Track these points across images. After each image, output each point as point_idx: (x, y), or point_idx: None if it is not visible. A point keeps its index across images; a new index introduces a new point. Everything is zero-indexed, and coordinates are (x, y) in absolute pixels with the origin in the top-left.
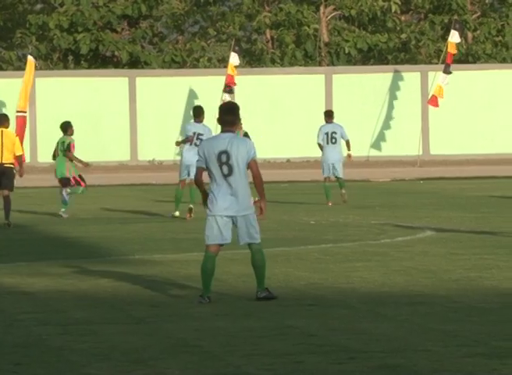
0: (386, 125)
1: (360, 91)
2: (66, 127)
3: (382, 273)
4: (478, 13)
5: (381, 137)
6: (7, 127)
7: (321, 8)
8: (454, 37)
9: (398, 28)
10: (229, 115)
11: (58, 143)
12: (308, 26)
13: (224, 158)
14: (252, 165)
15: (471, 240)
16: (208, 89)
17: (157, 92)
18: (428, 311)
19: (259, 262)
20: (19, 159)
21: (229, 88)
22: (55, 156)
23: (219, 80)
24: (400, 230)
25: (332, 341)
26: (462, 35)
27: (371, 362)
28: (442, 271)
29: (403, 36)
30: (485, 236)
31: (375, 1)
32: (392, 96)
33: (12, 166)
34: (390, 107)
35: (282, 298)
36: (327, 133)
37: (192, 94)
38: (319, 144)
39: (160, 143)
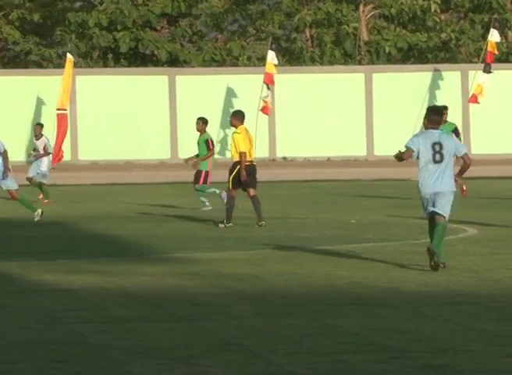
0: None
1: (399, 90)
2: None
3: (423, 273)
4: None
5: None
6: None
7: (361, 7)
8: (494, 35)
9: (438, 27)
10: (437, 115)
11: None
12: (348, 25)
13: (437, 148)
14: (465, 156)
15: None
16: (247, 87)
17: (196, 90)
18: (470, 311)
19: (439, 233)
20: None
21: (268, 85)
22: None
23: (258, 79)
24: None
25: (374, 340)
26: (502, 34)
27: (414, 361)
28: (484, 271)
29: (443, 35)
30: None
31: (414, 0)
32: (432, 95)
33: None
34: None
35: (324, 297)
36: None
37: (230, 93)
38: None
39: None
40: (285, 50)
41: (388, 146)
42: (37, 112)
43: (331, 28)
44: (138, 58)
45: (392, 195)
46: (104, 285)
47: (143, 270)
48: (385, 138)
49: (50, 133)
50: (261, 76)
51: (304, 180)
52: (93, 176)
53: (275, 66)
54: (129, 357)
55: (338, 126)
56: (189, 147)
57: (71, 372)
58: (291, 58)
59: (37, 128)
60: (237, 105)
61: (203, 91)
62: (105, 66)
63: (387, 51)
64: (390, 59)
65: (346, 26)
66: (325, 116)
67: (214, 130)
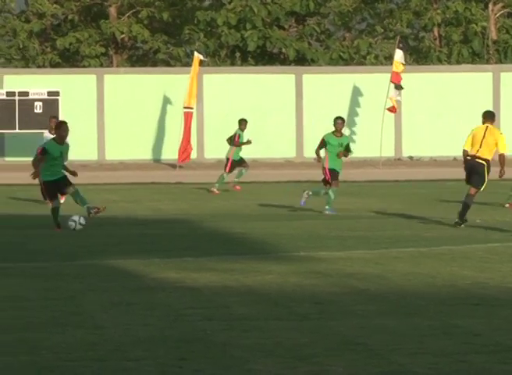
0: None
1: None
2: None
3: None
4: None
5: None
6: (492, 123)
7: (490, 6)
8: None
9: None
10: None
11: None
12: (476, 24)
13: None
14: None
15: None
16: (373, 86)
17: (323, 89)
18: None
19: None
20: (502, 158)
21: (398, 84)
22: None
23: (385, 78)
24: None
25: (497, 340)
26: None
27: None
28: None
29: None
30: None
31: None
32: None
33: (484, 163)
34: None
35: (447, 297)
36: None
37: (356, 92)
38: None
39: None
40: (412, 49)
41: None
42: (164, 110)
43: (459, 27)
44: (265, 57)
45: None
46: (227, 283)
47: (267, 269)
48: None
49: (177, 131)
50: (388, 75)
51: (430, 179)
52: (219, 175)
53: (403, 64)
54: (252, 355)
55: (465, 126)
56: (314, 146)
57: (193, 369)
58: (419, 57)
59: (53, 121)
60: (363, 103)
61: (329, 89)
62: (233, 64)
63: None
64: None
65: (474, 25)
66: (452, 115)
67: None
